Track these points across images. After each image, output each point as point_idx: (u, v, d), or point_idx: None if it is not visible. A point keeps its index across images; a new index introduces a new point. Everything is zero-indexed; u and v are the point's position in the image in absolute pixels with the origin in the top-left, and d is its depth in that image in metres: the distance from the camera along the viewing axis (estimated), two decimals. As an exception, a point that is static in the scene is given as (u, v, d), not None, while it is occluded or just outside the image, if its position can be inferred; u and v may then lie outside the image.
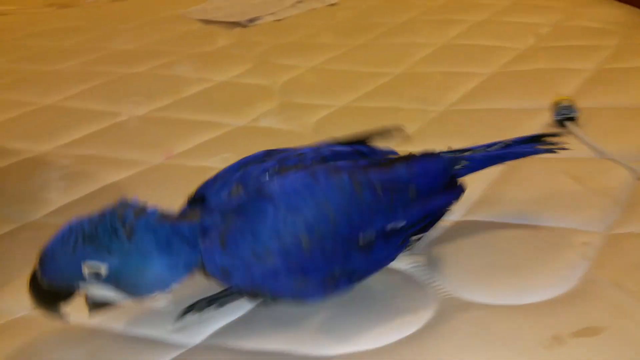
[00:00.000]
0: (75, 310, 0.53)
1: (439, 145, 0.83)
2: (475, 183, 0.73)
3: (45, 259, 0.49)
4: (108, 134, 0.96)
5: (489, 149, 0.65)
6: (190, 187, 0.60)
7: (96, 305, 0.52)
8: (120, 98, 1.09)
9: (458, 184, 0.62)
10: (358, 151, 0.59)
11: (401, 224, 0.55)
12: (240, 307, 0.57)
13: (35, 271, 0.50)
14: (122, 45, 1.40)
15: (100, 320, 0.56)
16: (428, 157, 0.60)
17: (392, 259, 0.57)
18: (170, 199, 0.58)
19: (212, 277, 0.52)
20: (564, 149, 0.66)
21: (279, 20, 1.57)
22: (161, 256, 0.50)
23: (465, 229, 0.66)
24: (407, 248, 0.58)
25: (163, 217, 0.51)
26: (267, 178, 0.52)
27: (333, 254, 0.52)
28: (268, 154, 0.57)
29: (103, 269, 0.49)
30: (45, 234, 0.50)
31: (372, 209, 0.53)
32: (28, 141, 0.94)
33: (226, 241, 0.50)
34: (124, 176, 0.83)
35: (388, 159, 0.58)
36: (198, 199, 0.54)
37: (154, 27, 1.56)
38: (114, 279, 0.49)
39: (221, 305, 0.56)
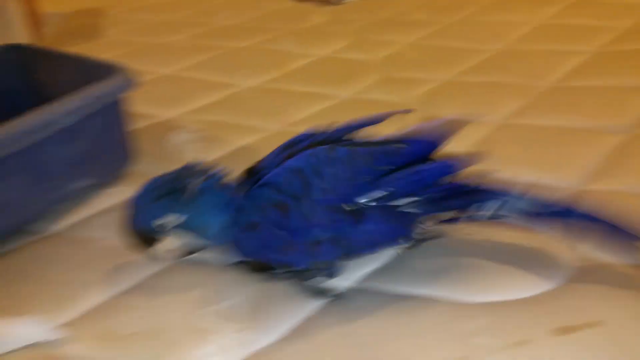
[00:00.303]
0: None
1: (553, 118, 0.87)
2: (589, 155, 0.77)
3: (131, 212, 0.60)
4: (228, 103, 1.03)
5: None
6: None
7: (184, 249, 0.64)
8: (232, 70, 1.16)
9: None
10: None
11: (388, 192, 0.55)
12: (387, 253, 0.62)
13: (126, 219, 0.61)
14: (223, 21, 1.47)
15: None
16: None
17: (393, 238, 0.59)
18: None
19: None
20: None
21: (369, -2, 1.61)
22: (219, 216, 0.59)
23: (591, 197, 0.69)
24: (420, 236, 0.60)
25: (222, 184, 0.61)
26: None
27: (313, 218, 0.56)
28: (311, 135, 0.61)
29: (174, 222, 0.59)
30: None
31: (348, 175, 0.56)
32: (156, 107, 1.02)
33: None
34: (250, 141, 0.89)
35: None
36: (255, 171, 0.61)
37: (250, 4, 1.62)
38: (184, 230, 0.60)
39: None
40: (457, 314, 0.54)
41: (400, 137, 0.60)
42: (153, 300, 0.60)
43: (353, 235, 0.56)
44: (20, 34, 1.22)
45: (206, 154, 0.85)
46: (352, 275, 0.61)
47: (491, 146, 0.81)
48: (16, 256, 0.67)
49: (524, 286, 0.56)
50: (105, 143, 0.74)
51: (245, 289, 0.60)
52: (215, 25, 1.45)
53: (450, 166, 0.58)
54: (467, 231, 0.64)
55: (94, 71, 0.79)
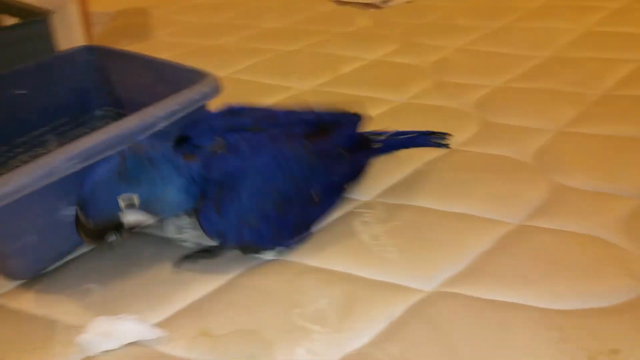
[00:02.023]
0: (332, 257, 0.66)
1: (607, 127, 0.89)
2: None
3: (86, 203, 0.59)
4: (289, 105, 1.06)
5: (397, 137, 0.84)
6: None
7: (129, 228, 0.63)
8: (286, 73, 1.19)
9: (371, 148, 0.80)
10: (320, 117, 0.76)
11: (338, 178, 0.73)
12: (464, 259, 0.65)
13: (79, 215, 0.60)
14: (270, 24, 1.50)
15: (350, 267, 0.66)
16: (348, 126, 0.77)
17: (336, 205, 0.74)
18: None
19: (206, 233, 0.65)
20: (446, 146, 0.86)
21: (410, 2, 1.63)
22: (179, 180, 0.62)
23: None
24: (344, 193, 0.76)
25: (174, 151, 0.64)
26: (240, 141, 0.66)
27: (299, 211, 0.68)
28: (240, 110, 0.73)
29: (135, 199, 0.60)
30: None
31: (321, 171, 0.70)
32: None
33: (220, 209, 0.63)
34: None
35: (324, 128, 0.73)
36: (183, 138, 0.68)
37: (294, 7, 1.65)
38: (144, 205, 0.61)
39: (213, 257, 0.68)
40: (545, 320, 0.57)
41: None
42: (244, 300, 0.63)
43: (318, 215, 0.72)
44: (78, 35, 1.26)
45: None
46: (437, 277, 0.64)
47: (552, 154, 0.84)
48: (110, 253, 0.70)
49: (605, 294, 0.59)
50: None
51: (331, 291, 0.62)
52: (262, 28, 1.48)
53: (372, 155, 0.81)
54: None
55: (172, 75, 0.82)
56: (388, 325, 0.58)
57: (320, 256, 0.68)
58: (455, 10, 1.54)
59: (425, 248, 0.68)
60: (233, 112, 0.71)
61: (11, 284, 0.67)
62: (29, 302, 0.64)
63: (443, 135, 0.86)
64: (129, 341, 0.58)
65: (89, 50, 0.90)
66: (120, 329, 0.58)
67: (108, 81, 0.91)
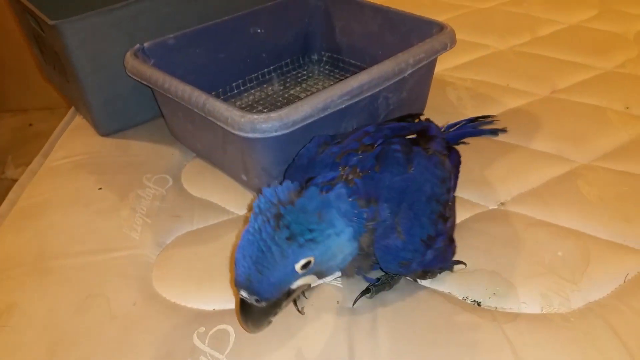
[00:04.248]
0: (560, 213, 0.66)
1: None
2: None
3: (253, 282, 0.48)
4: (487, 63, 1.07)
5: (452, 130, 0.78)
6: (577, 121, 0.82)
7: (294, 297, 0.53)
8: (482, 31, 1.19)
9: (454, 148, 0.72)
10: (405, 127, 0.65)
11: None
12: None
13: (248, 301, 0.50)
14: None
15: (579, 225, 0.68)
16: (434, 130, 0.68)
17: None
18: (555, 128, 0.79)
19: (383, 267, 0.57)
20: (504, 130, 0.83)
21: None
22: (349, 229, 0.52)
23: None
24: None
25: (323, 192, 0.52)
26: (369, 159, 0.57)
27: (452, 220, 0.62)
28: (333, 136, 0.63)
29: (312, 259, 0.49)
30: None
31: (452, 175, 0.63)
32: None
33: (403, 234, 0.54)
34: (522, 103, 0.94)
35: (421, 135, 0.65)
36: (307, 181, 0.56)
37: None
38: (317, 266, 0.51)
39: (390, 287, 0.62)
40: None
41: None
42: (478, 243, 0.67)
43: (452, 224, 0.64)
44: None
45: (481, 111, 0.90)
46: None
47: None
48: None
49: None
50: (415, 94, 0.81)
51: (565, 245, 0.65)
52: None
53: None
54: None
55: (403, 24, 0.86)
56: (626, 282, 0.61)
57: (547, 211, 0.71)
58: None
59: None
60: (327, 143, 0.62)
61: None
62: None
63: (487, 118, 0.82)
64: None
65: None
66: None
67: (331, 27, 0.96)
